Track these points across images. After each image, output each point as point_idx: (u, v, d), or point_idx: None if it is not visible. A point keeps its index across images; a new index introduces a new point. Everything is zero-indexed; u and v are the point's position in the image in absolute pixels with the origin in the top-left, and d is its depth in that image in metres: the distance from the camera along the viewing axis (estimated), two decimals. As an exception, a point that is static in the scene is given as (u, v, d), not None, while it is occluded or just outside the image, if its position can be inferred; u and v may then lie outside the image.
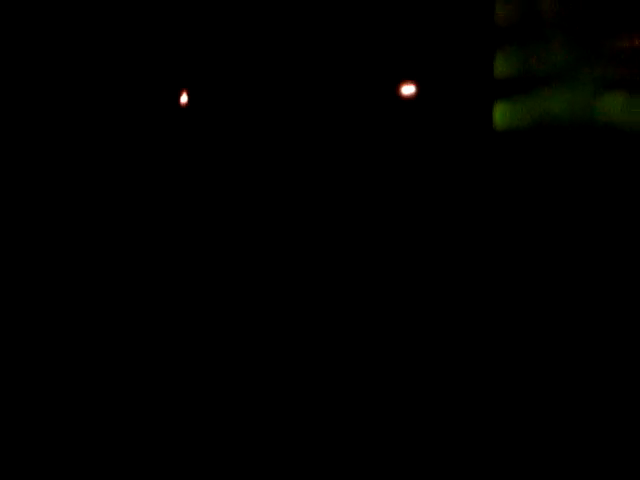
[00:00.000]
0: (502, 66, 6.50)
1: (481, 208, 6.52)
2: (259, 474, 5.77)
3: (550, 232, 6.46)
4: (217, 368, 6.15)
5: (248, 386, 6.10)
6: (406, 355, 6.20)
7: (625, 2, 6.43)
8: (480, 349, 6.11)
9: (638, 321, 5.97)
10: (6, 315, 6.16)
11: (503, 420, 5.80)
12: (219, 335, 6.24)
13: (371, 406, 6.04)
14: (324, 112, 6.54)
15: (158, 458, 5.77)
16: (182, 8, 6.43)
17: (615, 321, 6.13)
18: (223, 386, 6.10)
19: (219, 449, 5.84)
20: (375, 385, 6.14)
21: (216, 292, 6.34)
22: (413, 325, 6.29)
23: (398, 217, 6.50)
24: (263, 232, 6.45)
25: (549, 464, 5.62)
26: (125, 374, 6.07)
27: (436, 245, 6.47)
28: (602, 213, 6.39)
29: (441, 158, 6.50)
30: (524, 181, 6.56)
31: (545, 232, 6.47)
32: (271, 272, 6.38)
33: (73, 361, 6.08)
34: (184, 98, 6.35)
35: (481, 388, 6.00)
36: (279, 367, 6.16)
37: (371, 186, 6.51)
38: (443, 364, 6.14)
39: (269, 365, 6.17)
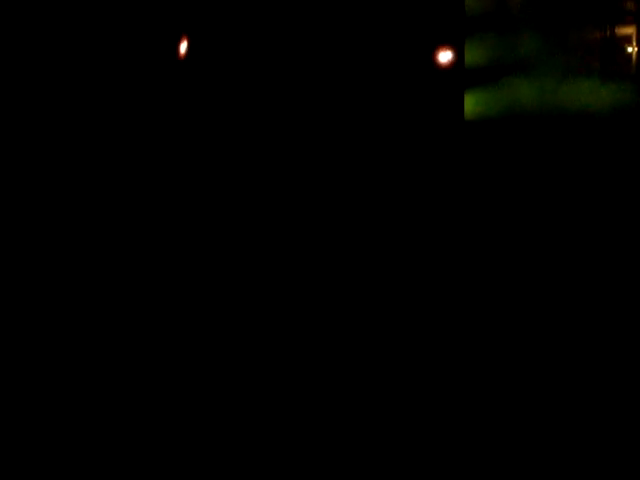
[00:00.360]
0: (473, 55, 6.62)
1: (455, 195, 6.62)
2: (259, 474, 5.79)
3: (525, 218, 6.57)
4: (217, 368, 6.15)
5: (248, 386, 6.12)
6: (396, 351, 6.30)
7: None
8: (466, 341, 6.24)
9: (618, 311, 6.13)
10: (6, 315, 6.10)
11: (502, 420, 5.91)
12: (219, 335, 6.25)
13: (371, 406, 6.11)
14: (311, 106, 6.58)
15: (158, 458, 5.76)
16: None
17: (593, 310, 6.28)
18: (223, 386, 6.10)
19: (219, 449, 5.84)
20: (375, 385, 6.21)
21: (216, 290, 6.34)
22: (401, 319, 6.39)
23: (377, 206, 6.56)
24: (260, 229, 6.47)
25: (549, 464, 5.72)
26: (125, 374, 6.05)
27: (413, 232, 6.54)
28: (573, 198, 6.54)
29: (414, 146, 6.58)
30: (496, 169, 6.68)
31: (519, 218, 6.58)
32: (269, 269, 6.39)
33: (73, 361, 6.05)
34: (184, 46, 6.29)
35: (480, 388, 6.11)
36: (279, 367, 6.19)
37: (348, 174, 6.56)
38: (433, 358, 6.26)
39: (269, 365, 6.19)
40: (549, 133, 6.69)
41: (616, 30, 6.76)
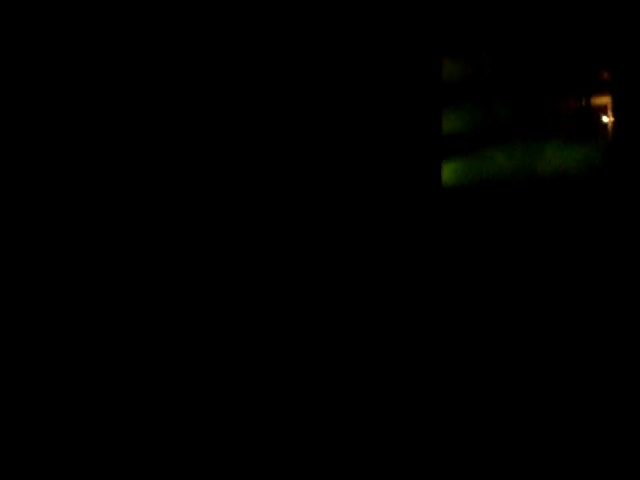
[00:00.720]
0: (450, 123, 6.69)
1: (431, 262, 6.64)
2: (259, 474, 5.77)
3: (505, 285, 6.60)
4: (217, 368, 6.13)
5: (248, 386, 6.10)
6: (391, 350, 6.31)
7: (558, 63, 6.70)
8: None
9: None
10: (6, 315, 6.17)
11: (501, 421, 5.91)
12: (219, 335, 6.23)
13: (370, 407, 6.10)
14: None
15: (158, 458, 5.75)
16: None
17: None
18: (223, 386, 6.09)
19: (219, 449, 5.83)
20: (374, 385, 6.21)
21: (216, 291, 6.34)
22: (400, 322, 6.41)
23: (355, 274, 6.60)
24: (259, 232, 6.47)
25: (548, 464, 5.72)
26: (125, 374, 6.04)
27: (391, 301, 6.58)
28: (554, 263, 6.57)
29: (391, 213, 6.63)
30: (475, 236, 6.71)
31: (500, 285, 6.60)
32: (268, 272, 6.38)
33: (73, 361, 6.05)
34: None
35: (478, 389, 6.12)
36: (279, 367, 6.17)
37: (327, 240, 6.61)
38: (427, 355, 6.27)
39: (269, 365, 6.17)
40: (526, 199, 6.73)
41: (592, 99, 6.81)
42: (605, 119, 6.75)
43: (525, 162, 6.68)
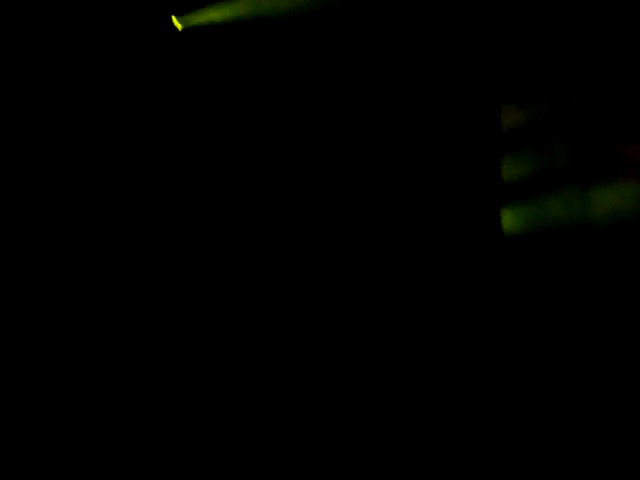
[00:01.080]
0: (509, 170, 6.51)
1: (490, 311, 6.41)
2: (259, 474, 5.87)
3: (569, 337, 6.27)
4: (217, 368, 6.28)
5: (248, 386, 6.20)
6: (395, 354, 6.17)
7: (622, 107, 6.33)
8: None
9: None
10: (6, 315, 6.33)
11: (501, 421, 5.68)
12: (219, 335, 6.39)
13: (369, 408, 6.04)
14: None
15: (158, 458, 5.98)
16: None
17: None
18: (223, 386, 6.22)
19: (219, 449, 5.98)
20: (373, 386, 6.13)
21: (216, 293, 6.48)
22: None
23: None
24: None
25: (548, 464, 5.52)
26: (125, 374, 6.26)
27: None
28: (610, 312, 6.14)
29: (452, 262, 6.51)
30: (534, 286, 6.41)
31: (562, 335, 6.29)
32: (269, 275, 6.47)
33: (73, 361, 6.27)
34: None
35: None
36: (279, 368, 6.24)
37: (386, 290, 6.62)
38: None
39: (269, 366, 6.25)
40: (588, 247, 6.32)
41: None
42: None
43: (585, 209, 6.32)
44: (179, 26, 6.74)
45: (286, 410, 6.27)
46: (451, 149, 6.59)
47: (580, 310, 6.23)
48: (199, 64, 6.94)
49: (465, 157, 6.55)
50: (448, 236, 6.55)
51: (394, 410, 6.28)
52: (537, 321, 6.31)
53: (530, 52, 6.59)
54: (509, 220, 6.43)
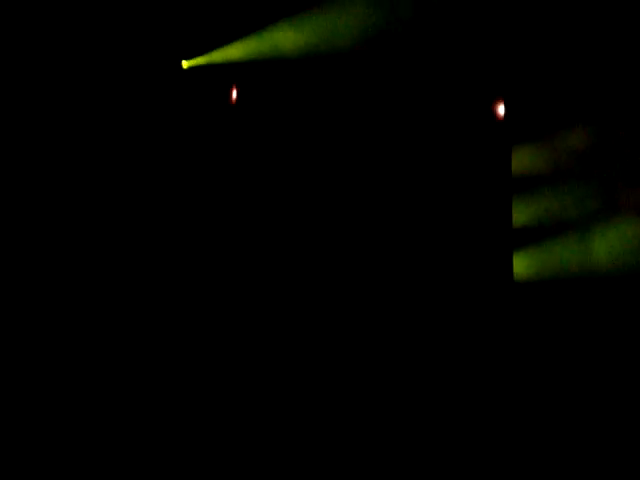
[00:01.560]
0: (520, 215, 6.44)
1: (500, 357, 6.40)
2: (259, 474, 5.93)
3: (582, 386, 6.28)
4: (218, 368, 6.35)
5: (248, 386, 6.24)
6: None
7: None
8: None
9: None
10: (6, 315, 6.30)
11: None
12: (219, 336, 6.42)
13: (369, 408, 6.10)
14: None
15: (158, 458, 6.03)
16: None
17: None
18: (223, 386, 6.26)
19: (219, 449, 6.03)
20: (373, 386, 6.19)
21: (217, 295, 6.51)
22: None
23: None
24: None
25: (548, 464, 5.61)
26: (125, 374, 6.26)
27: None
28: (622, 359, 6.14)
29: (461, 307, 6.49)
30: (551, 333, 6.39)
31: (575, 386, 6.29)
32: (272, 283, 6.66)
33: (73, 361, 6.27)
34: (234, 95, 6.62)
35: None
36: (279, 368, 6.28)
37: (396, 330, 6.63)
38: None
39: (269, 366, 6.30)
40: (593, 293, 6.29)
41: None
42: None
43: (600, 255, 6.26)
44: (185, 65, 6.72)
45: (286, 410, 6.25)
46: (462, 191, 6.52)
47: (585, 357, 6.23)
48: (200, 102, 6.91)
49: (476, 200, 6.48)
50: (459, 279, 6.52)
51: (394, 410, 6.30)
52: (544, 366, 6.32)
53: (538, 93, 6.47)
54: (520, 266, 6.38)
